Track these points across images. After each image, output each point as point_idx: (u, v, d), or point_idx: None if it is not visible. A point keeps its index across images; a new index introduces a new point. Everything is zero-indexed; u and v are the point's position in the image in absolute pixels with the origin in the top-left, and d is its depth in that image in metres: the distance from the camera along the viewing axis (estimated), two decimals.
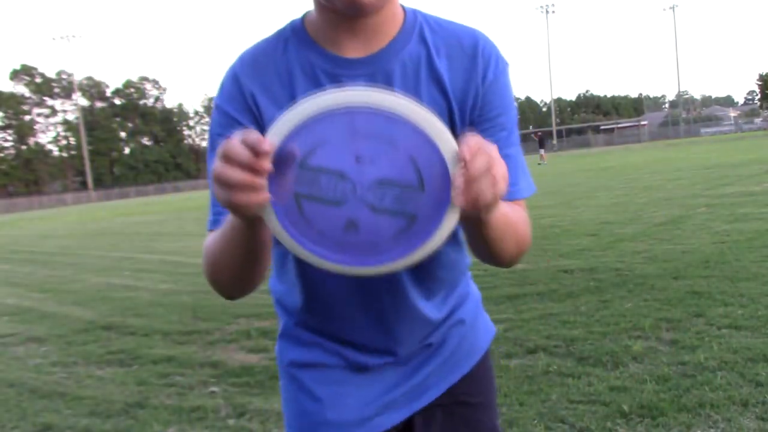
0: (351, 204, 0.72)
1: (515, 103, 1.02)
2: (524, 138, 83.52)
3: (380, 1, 0.88)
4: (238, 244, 0.83)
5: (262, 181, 0.68)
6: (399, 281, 0.99)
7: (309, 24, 0.96)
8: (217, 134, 0.94)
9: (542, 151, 35.33)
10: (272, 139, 0.69)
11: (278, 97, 0.92)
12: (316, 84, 0.92)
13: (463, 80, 0.94)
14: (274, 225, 0.74)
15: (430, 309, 1.05)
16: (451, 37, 0.96)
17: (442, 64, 0.94)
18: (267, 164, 0.67)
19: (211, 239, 0.92)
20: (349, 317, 1.03)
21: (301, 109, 0.70)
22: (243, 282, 0.92)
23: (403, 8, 0.97)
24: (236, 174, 0.67)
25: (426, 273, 1.01)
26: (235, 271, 0.89)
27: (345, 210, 0.72)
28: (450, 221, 0.73)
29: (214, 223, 0.94)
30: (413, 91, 0.92)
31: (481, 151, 0.69)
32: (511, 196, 0.93)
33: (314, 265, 0.76)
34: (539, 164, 31.67)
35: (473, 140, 0.69)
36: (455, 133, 0.89)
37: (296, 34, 0.96)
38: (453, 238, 1.03)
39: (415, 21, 0.96)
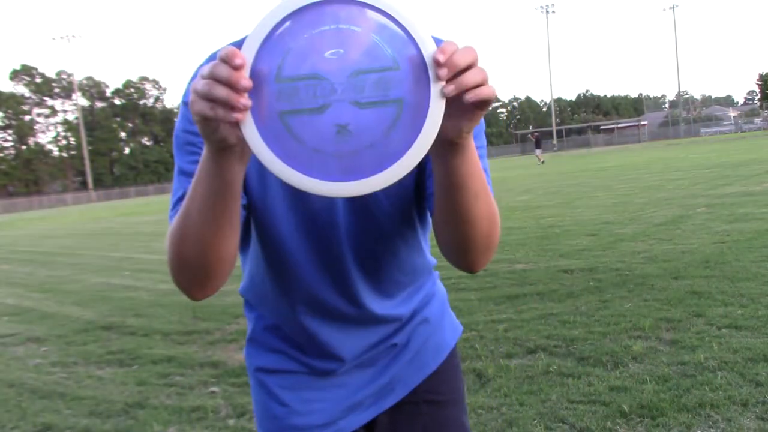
0: (335, 106, 0.69)
1: (484, 131, 1.02)
2: (523, 138, 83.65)
3: None
4: (209, 187, 0.77)
5: (244, 99, 0.66)
6: (352, 284, 1.00)
7: None
8: (186, 131, 0.93)
9: (538, 152, 35.47)
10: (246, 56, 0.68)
11: None
12: None
13: None
14: (264, 154, 0.70)
15: (388, 308, 1.07)
16: None
17: None
18: (245, 79, 0.66)
19: (175, 215, 0.87)
20: (291, 315, 1.05)
21: (262, 24, 0.69)
22: (209, 259, 0.84)
23: None
24: (219, 90, 0.65)
25: (386, 277, 1.03)
26: (202, 241, 0.82)
27: (331, 114, 0.70)
28: (437, 102, 0.69)
29: (174, 216, 0.90)
30: None
31: (463, 46, 0.69)
32: None
33: (316, 193, 0.73)
34: (542, 162, 31.82)
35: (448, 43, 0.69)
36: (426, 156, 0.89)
37: None
38: (415, 243, 1.04)
39: None
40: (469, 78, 0.67)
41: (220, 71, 0.65)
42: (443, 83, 0.68)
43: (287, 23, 0.70)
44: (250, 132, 0.70)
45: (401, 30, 0.70)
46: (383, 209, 0.96)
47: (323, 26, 0.69)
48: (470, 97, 0.67)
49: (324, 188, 0.72)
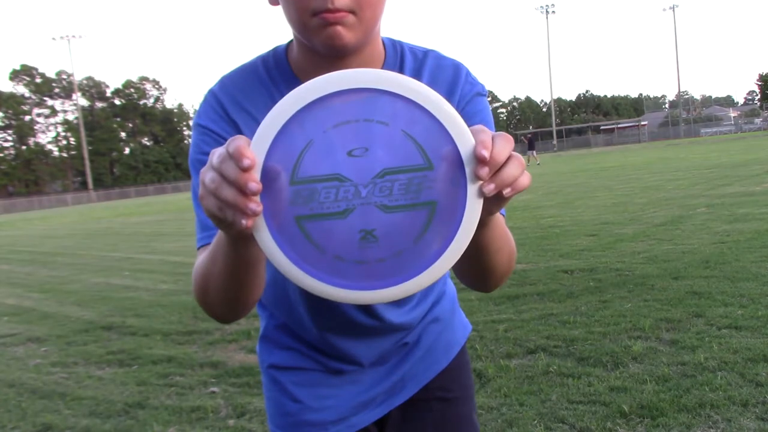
0: (359, 210, 0.62)
1: (494, 129, 1.02)
2: (518, 139, 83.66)
3: (359, 41, 0.85)
4: (229, 264, 0.76)
5: (254, 205, 0.61)
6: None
7: (292, 58, 0.95)
8: (204, 152, 0.91)
9: (533, 152, 35.60)
10: (256, 153, 0.62)
11: None
12: None
13: None
14: (279, 260, 0.65)
15: (403, 315, 1.07)
16: (432, 67, 0.97)
17: None
18: (254, 182, 0.60)
19: (199, 261, 0.87)
20: (310, 326, 1.06)
21: (275, 115, 0.62)
22: (235, 306, 0.86)
23: (384, 43, 0.97)
24: (227, 192, 0.60)
25: None
26: (225, 294, 0.83)
27: (355, 219, 0.62)
28: (473, 203, 0.63)
29: (203, 240, 0.91)
30: None
31: (498, 135, 0.63)
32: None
33: (335, 300, 0.67)
34: (538, 164, 31.98)
35: (484, 135, 0.63)
36: None
37: (279, 66, 0.95)
38: None
39: (395, 56, 0.97)
40: (509, 173, 0.62)
41: (227, 170, 0.60)
42: (481, 182, 0.62)
43: (305, 115, 0.62)
44: (263, 236, 0.64)
45: (435, 123, 0.62)
46: None
47: (346, 119, 0.62)
48: (509, 192, 0.63)
49: (344, 295, 0.66)
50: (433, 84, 0.95)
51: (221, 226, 0.66)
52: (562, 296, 4.53)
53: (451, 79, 0.96)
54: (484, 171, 0.61)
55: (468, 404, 1.19)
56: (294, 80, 0.93)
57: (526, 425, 2.62)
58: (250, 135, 0.91)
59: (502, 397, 2.91)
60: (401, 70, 0.95)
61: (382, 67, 0.94)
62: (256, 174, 0.61)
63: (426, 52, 0.98)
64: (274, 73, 0.94)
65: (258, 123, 0.67)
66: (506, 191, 0.63)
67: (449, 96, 0.95)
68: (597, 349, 3.36)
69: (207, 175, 0.62)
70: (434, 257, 0.64)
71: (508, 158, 0.63)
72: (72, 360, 4.36)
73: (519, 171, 0.63)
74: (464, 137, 0.62)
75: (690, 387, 2.76)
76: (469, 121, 0.97)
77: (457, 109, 0.93)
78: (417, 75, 0.95)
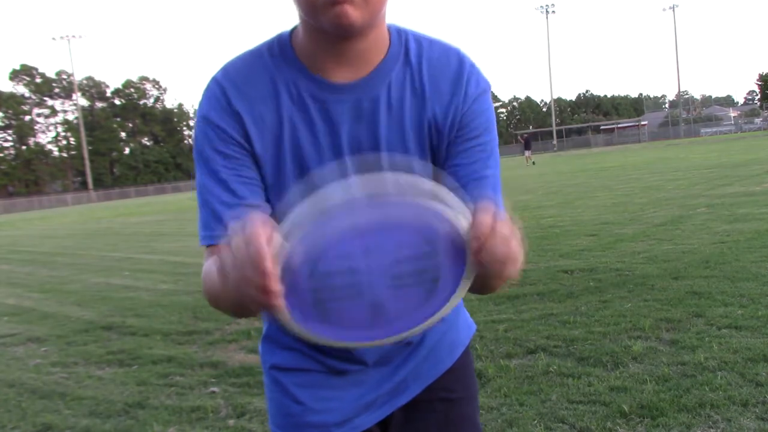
0: (372, 291, 0.72)
1: (496, 126, 1.02)
2: (515, 139, 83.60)
3: (366, 21, 0.86)
4: (240, 299, 0.80)
5: (276, 300, 0.66)
6: None
7: (296, 43, 0.95)
8: (209, 147, 0.93)
9: (529, 153, 35.66)
10: (277, 254, 0.67)
11: (265, 119, 0.93)
12: (303, 108, 0.93)
13: (446, 100, 0.95)
14: (295, 330, 0.75)
15: None
16: (436, 56, 0.97)
17: (426, 83, 0.95)
18: (276, 285, 0.65)
19: (209, 270, 0.89)
20: None
21: (300, 218, 0.69)
22: (245, 315, 0.89)
23: (389, 29, 0.97)
24: (248, 289, 0.65)
25: None
26: (235, 309, 0.86)
27: (367, 298, 0.72)
28: (470, 274, 0.75)
29: (205, 238, 0.93)
30: (398, 114, 0.94)
31: (494, 229, 0.70)
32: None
33: (337, 347, 0.79)
34: (533, 164, 32.03)
35: (484, 215, 0.70)
36: (438, 153, 0.94)
37: (283, 52, 0.95)
38: None
39: (400, 42, 0.97)
40: (502, 252, 0.70)
41: (248, 272, 0.64)
42: (476, 261, 0.71)
43: (323, 216, 0.69)
44: (282, 317, 0.72)
45: (442, 217, 0.71)
46: None
47: (363, 221, 0.69)
48: (500, 267, 0.72)
49: (353, 345, 0.80)
50: (436, 76, 0.96)
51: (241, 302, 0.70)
52: (562, 296, 4.53)
53: (455, 70, 0.96)
54: (481, 253, 0.70)
55: (471, 405, 1.18)
56: (297, 65, 0.94)
57: (526, 425, 2.62)
58: (252, 124, 0.94)
59: (502, 397, 2.90)
60: (405, 58, 0.96)
61: (386, 54, 0.95)
62: (277, 275, 0.65)
63: (431, 41, 0.99)
64: (278, 60, 0.95)
65: (260, 112, 0.76)
66: (497, 266, 0.71)
67: (453, 89, 0.96)
68: (597, 349, 3.36)
69: (228, 262, 0.66)
70: (433, 310, 0.76)
71: (505, 236, 0.71)
72: (72, 360, 4.36)
73: (514, 248, 0.72)
74: (464, 227, 0.71)
75: (690, 387, 2.76)
76: (475, 119, 0.99)
77: (462, 106, 0.96)
78: (419, 64, 0.96)
